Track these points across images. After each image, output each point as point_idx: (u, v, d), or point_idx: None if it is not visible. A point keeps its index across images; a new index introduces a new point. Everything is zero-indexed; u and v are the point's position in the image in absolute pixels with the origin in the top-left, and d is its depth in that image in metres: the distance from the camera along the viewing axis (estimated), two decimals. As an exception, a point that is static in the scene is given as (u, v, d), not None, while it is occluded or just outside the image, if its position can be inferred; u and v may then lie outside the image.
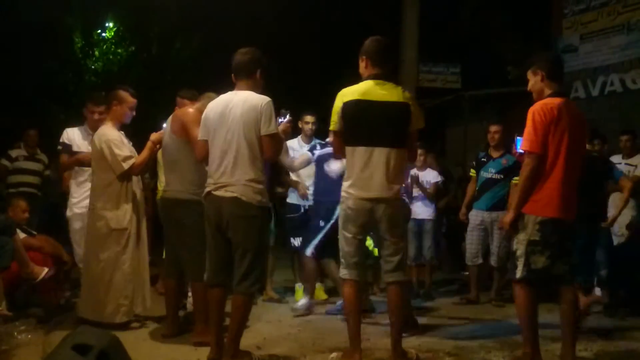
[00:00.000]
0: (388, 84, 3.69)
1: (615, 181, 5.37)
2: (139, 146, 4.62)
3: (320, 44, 12.51)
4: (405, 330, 4.46)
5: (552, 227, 3.48)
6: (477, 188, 6.00)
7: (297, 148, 5.85)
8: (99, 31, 11.88)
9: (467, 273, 6.40)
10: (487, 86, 11.55)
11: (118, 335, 3.20)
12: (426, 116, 5.13)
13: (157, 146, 4.50)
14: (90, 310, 4.45)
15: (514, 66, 11.69)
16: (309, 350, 4.03)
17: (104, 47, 11.75)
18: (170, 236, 4.34)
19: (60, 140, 5.18)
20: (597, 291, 5.73)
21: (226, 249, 3.63)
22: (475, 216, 5.96)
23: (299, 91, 11.01)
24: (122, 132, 4.67)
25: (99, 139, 4.50)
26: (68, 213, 5.18)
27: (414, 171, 6.14)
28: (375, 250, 4.37)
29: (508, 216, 3.59)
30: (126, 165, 4.41)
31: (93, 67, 11.66)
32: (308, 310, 5.22)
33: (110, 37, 11.84)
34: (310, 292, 5.37)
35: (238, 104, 3.60)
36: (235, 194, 3.53)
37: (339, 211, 4.77)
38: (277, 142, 3.65)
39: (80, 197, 5.05)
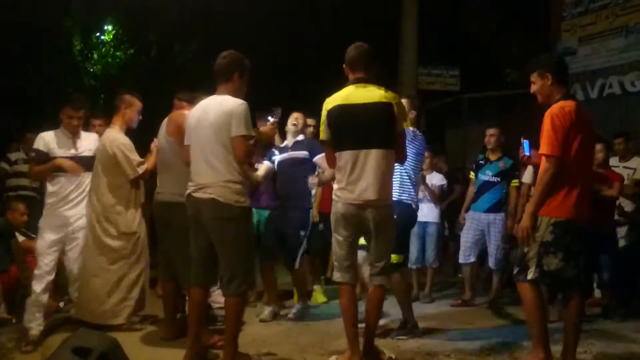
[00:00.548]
0: (370, 85, 3.69)
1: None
2: (138, 149, 4.64)
3: (319, 47, 12.52)
4: (406, 333, 4.48)
5: (565, 229, 3.46)
6: (475, 190, 6.01)
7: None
8: (98, 34, 11.88)
9: (461, 275, 6.40)
10: (486, 89, 11.57)
11: (117, 338, 3.19)
12: (425, 118, 5.14)
13: None
14: (90, 312, 4.45)
15: (513, 69, 11.73)
16: (309, 353, 4.03)
17: (103, 50, 11.75)
18: (164, 239, 4.32)
19: (34, 147, 4.60)
20: (597, 293, 5.73)
21: (208, 250, 3.66)
22: (472, 217, 5.97)
23: (297, 94, 11.01)
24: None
25: (110, 143, 4.52)
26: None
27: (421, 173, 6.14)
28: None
29: (526, 221, 3.51)
30: (140, 170, 4.50)
31: (92, 70, 11.67)
32: (276, 316, 5.15)
33: (109, 40, 11.84)
34: (306, 296, 5.36)
35: (213, 107, 3.65)
36: (212, 195, 3.56)
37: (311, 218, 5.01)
38: (247, 144, 3.62)
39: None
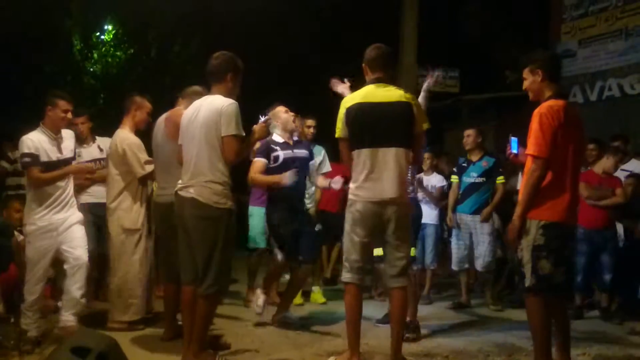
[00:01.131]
0: (389, 85, 3.72)
1: None
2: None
3: (319, 49, 12.53)
4: (408, 333, 4.46)
5: (555, 232, 3.38)
6: (460, 193, 5.98)
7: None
8: (98, 34, 11.88)
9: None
10: (486, 90, 11.57)
11: (116, 338, 3.20)
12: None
13: None
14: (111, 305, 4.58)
15: (512, 71, 11.72)
16: (308, 354, 4.03)
17: (103, 49, 11.75)
18: (166, 240, 4.30)
19: (26, 152, 4.20)
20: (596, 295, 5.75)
21: (192, 249, 3.67)
22: (459, 221, 5.95)
23: (298, 94, 11.00)
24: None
25: (120, 142, 4.60)
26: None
27: (419, 175, 6.14)
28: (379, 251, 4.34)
29: (514, 224, 3.44)
30: (149, 169, 4.54)
31: (92, 69, 11.66)
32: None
33: (109, 39, 11.84)
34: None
35: (204, 108, 3.67)
36: (193, 195, 3.60)
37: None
38: (237, 144, 3.61)
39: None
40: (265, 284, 5.01)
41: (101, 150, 5.42)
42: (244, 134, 3.68)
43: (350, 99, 3.75)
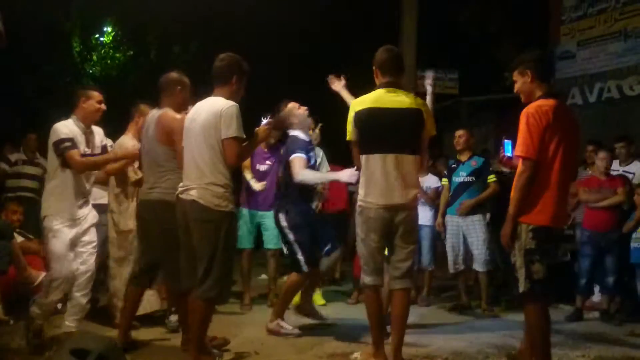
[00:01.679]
0: (399, 91, 3.73)
1: None
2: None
3: (318, 50, 12.54)
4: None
5: (545, 235, 3.34)
6: (450, 194, 5.96)
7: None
8: (97, 36, 11.90)
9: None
10: (485, 92, 11.58)
11: (116, 339, 3.20)
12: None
13: None
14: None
15: (511, 72, 11.72)
16: (307, 356, 4.04)
17: (102, 51, 11.76)
18: (151, 240, 4.06)
19: (64, 137, 4.08)
20: (597, 296, 5.76)
21: (195, 252, 3.64)
22: (451, 222, 5.93)
23: (300, 95, 11.00)
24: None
25: (118, 147, 4.69)
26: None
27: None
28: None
29: (506, 228, 3.41)
30: (141, 174, 4.50)
31: (91, 71, 11.68)
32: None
33: (108, 41, 11.85)
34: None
35: (204, 110, 3.66)
36: (193, 197, 3.58)
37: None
38: (238, 146, 3.60)
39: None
40: (286, 297, 4.76)
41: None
42: (245, 136, 3.68)
43: (360, 102, 3.75)
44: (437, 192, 6.40)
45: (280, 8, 11.04)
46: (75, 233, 4.10)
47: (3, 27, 3.08)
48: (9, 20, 3.11)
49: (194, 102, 4.06)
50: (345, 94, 4.57)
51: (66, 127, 4.13)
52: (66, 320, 4.15)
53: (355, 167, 4.08)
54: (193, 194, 3.58)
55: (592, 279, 5.59)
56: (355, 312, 4.99)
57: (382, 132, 3.65)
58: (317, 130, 5.24)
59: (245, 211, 5.69)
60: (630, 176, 5.92)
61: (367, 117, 3.68)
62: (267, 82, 10.21)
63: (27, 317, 4.10)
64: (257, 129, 3.91)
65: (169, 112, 3.99)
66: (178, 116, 3.97)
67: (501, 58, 11.72)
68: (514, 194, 3.40)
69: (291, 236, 4.59)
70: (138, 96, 4.94)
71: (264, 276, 6.82)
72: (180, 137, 3.79)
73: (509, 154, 3.71)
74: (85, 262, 4.16)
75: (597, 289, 5.76)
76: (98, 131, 4.43)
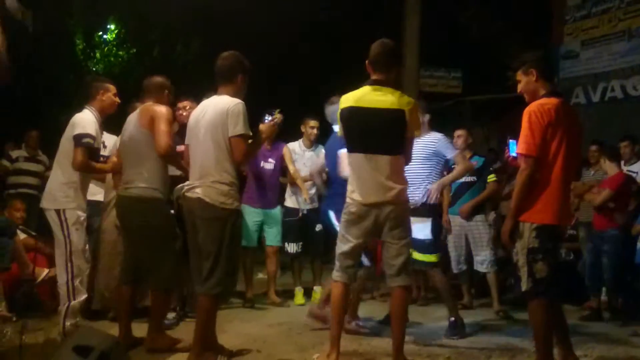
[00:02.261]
0: (385, 89, 3.65)
1: None
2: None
3: (321, 49, 12.53)
4: (456, 333, 4.53)
5: (549, 234, 3.33)
6: (452, 194, 5.93)
7: (299, 152, 5.88)
8: (100, 33, 11.89)
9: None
10: (488, 91, 11.55)
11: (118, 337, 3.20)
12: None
13: None
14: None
15: (514, 72, 11.69)
16: (309, 354, 4.03)
17: (105, 49, 11.76)
18: (131, 238, 4.06)
19: (89, 132, 4.05)
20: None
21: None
22: (453, 223, 5.89)
23: (302, 95, 11.01)
24: None
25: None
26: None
27: None
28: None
29: (506, 225, 3.41)
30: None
31: (94, 69, 11.67)
32: None
33: (111, 39, 11.85)
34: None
35: (211, 108, 3.66)
36: (199, 195, 3.58)
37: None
38: (245, 144, 3.61)
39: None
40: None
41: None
42: (251, 134, 3.68)
43: (345, 100, 3.72)
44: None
45: (281, 5, 11.03)
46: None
47: (8, 62, 2.94)
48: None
49: (197, 100, 4.07)
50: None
51: (91, 123, 4.09)
52: (66, 321, 4.07)
53: None
54: (199, 192, 3.59)
55: (598, 277, 5.59)
56: (363, 311, 4.98)
57: (362, 132, 3.63)
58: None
59: (248, 209, 5.68)
60: (634, 175, 5.91)
61: (348, 116, 3.67)
62: (267, 80, 10.22)
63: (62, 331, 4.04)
64: (261, 126, 3.90)
65: (154, 104, 4.02)
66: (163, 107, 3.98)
67: (504, 57, 11.72)
68: (515, 191, 3.41)
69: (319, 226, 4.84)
70: (140, 94, 4.91)
71: (260, 275, 6.81)
72: (164, 122, 3.81)
73: (514, 154, 3.69)
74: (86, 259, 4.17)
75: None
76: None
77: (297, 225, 5.78)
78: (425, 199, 4.51)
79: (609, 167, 5.60)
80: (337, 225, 4.44)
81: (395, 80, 3.78)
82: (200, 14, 11.25)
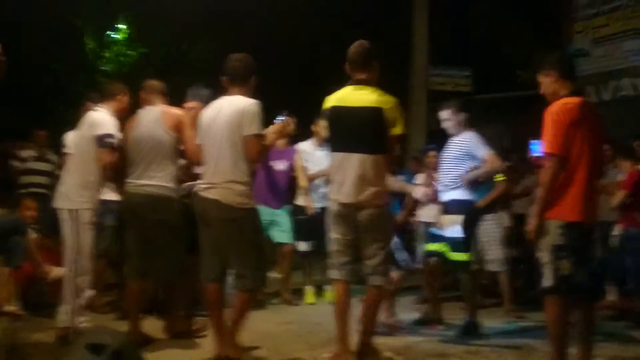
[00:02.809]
0: (366, 88, 3.67)
1: None
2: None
3: (331, 48, 12.48)
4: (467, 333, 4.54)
5: (575, 231, 3.34)
6: None
7: (309, 151, 5.87)
8: (110, 33, 11.90)
9: None
10: (497, 90, 11.51)
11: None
12: (435, 119, 5.12)
13: None
14: None
15: (524, 70, 11.67)
16: (320, 352, 4.02)
17: (115, 48, 11.78)
18: (142, 234, 4.08)
19: (113, 133, 4.11)
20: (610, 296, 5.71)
21: (217, 247, 3.70)
22: None
23: (312, 94, 10.98)
24: None
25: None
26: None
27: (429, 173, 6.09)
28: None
29: (531, 224, 3.40)
30: None
31: (104, 68, 11.70)
32: None
33: (121, 39, 11.86)
34: None
35: (226, 108, 3.68)
36: (215, 197, 3.60)
37: None
38: (260, 143, 3.64)
39: None
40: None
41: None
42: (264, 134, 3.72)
43: (329, 100, 3.76)
44: None
45: (293, 9, 11.03)
46: None
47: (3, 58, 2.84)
48: (18, 18, 3.06)
49: (208, 98, 4.09)
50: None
51: (113, 124, 4.13)
52: (76, 320, 4.08)
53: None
54: (215, 193, 3.60)
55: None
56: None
57: (343, 131, 3.67)
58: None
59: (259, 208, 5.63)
60: None
61: (331, 115, 3.73)
62: (275, 81, 10.22)
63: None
64: (271, 126, 3.90)
65: (172, 108, 4.18)
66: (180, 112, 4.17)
67: (514, 55, 11.67)
68: (540, 189, 3.43)
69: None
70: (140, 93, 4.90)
71: (273, 274, 6.75)
72: (191, 128, 3.94)
73: (537, 154, 3.70)
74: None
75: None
76: None
77: (308, 224, 5.77)
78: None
79: (624, 166, 5.57)
80: None
81: (379, 80, 3.77)
82: (210, 14, 11.25)
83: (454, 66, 11.60)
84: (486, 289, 6.18)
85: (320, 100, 3.86)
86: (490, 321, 5.29)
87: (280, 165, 5.73)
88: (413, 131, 10.05)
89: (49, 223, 6.43)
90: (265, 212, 5.67)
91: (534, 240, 3.44)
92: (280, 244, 5.83)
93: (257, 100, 3.67)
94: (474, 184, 4.73)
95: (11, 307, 4.67)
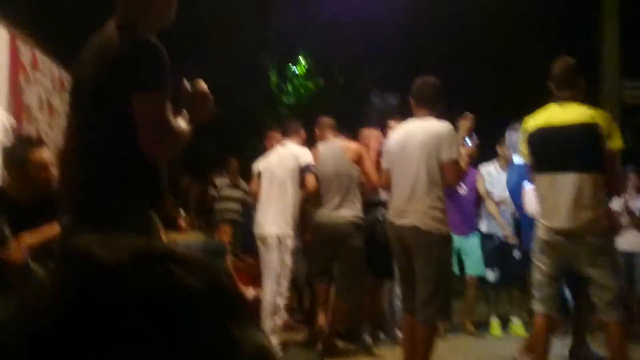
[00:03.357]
0: (572, 104, 3.45)
1: None
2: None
3: (513, 61, 11.93)
4: None
5: None
6: None
7: (494, 175, 5.63)
8: (291, 66, 12.62)
9: None
10: None
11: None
12: (631, 135, 4.63)
13: None
14: None
15: None
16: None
17: (296, 81, 12.45)
18: (333, 257, 4.63)
19: (312, 162, 4.76)
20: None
21: (412, 276, 3.62)
22: None
23: (495, 111, 10.60)
24: None
25: None
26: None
27: (625, 196, 5.53)
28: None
29: None
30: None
31: (286, 100, 12.40)
32: None
33: (302, 72, 12.51)
34: None
35: (419, 131, 3.62)
36: (414, 223, 3.54)
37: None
38: (459, 168, 3.60)
39: None
40: None
41: None
42: None
43: (532, 121, 3.57)
44: None
45: (472, 14, 10.76)
46: None
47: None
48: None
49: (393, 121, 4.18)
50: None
51: (310, 154, 4.77)
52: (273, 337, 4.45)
53: None
54: (412, 219, 3.56)
55: None
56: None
57: (553, 151, 3.42)
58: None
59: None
60: None
61: (538, 138, 3.51)
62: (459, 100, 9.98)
63: None
64: (464, 149, 3.80)
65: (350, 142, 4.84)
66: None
67: None
68: None
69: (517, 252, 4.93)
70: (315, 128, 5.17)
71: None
72: (369, 162, 4.47)
73: None
74: None
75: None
76: None
77: (497, 251, 5.51)
78: None
79: None
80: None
81: (586, 97, 3.56)
82: (383, 40, 11.41)
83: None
84: None
85: (502, 117, 3.72)
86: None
87: (461, 190, 5.56)
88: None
89: (240, 246, 6.95)
90: (455, 239, 5.53)
91: None
92: (468, 275, 5.64)
93: (451, 124, 3.62)
94: None
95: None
